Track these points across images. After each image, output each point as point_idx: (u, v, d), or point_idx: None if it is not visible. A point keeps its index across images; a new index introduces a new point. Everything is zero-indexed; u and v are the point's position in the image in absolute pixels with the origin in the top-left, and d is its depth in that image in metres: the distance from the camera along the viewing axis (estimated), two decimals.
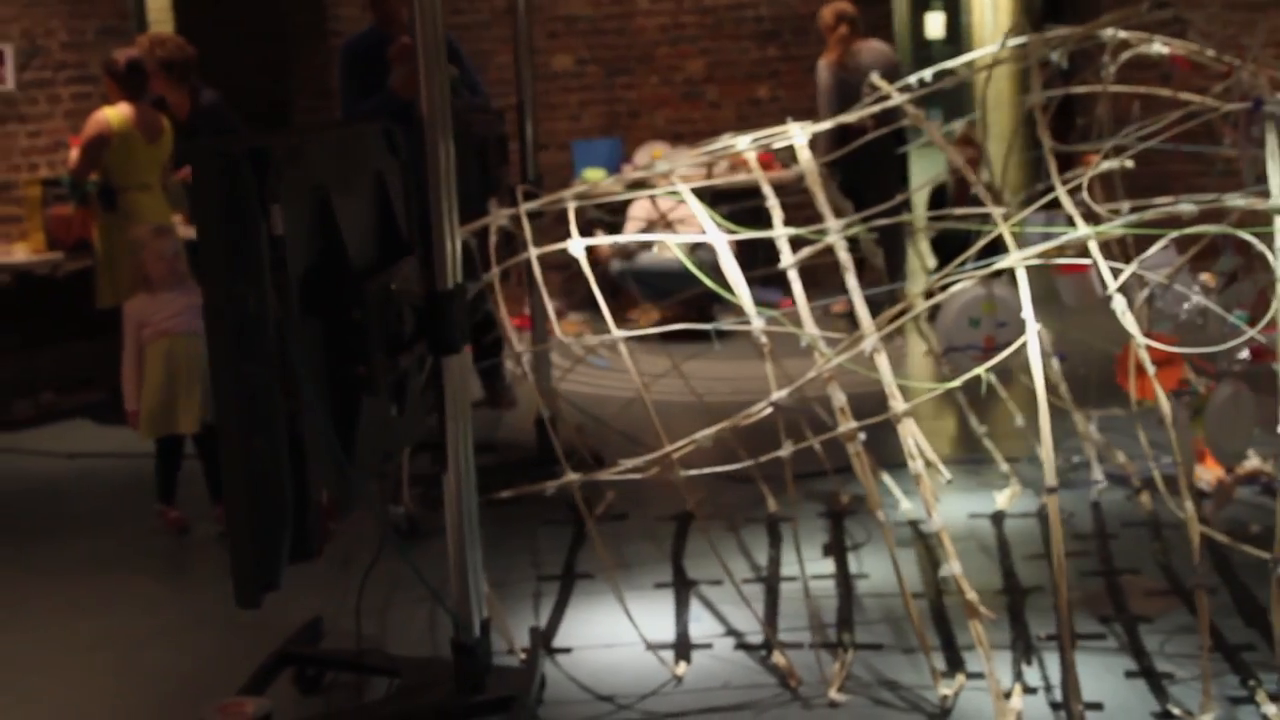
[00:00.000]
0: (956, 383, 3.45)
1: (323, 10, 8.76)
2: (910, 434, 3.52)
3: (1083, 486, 5.02)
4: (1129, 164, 4.15)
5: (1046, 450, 3.32)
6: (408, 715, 3.28)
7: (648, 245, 7.08)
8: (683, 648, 3.92)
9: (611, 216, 5.18)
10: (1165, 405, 3.32)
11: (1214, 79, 4.18)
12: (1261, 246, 3.25)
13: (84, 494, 5.84)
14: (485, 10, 9.03)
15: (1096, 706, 3.46)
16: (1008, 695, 3.47)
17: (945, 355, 4.22)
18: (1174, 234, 3.40)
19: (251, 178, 2.50)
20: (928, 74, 4.72)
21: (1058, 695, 3.50)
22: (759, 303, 4.04)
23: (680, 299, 6.64)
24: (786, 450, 3.76)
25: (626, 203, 7.34)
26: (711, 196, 6.76)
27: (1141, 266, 4.05)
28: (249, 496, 2.56)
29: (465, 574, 3.26)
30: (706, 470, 3.98)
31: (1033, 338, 3.35)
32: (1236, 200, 3.34)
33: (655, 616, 4.15)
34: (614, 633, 4.02)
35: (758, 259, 5.30)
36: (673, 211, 6.51)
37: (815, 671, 3.72)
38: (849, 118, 4.45)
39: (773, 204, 4.04)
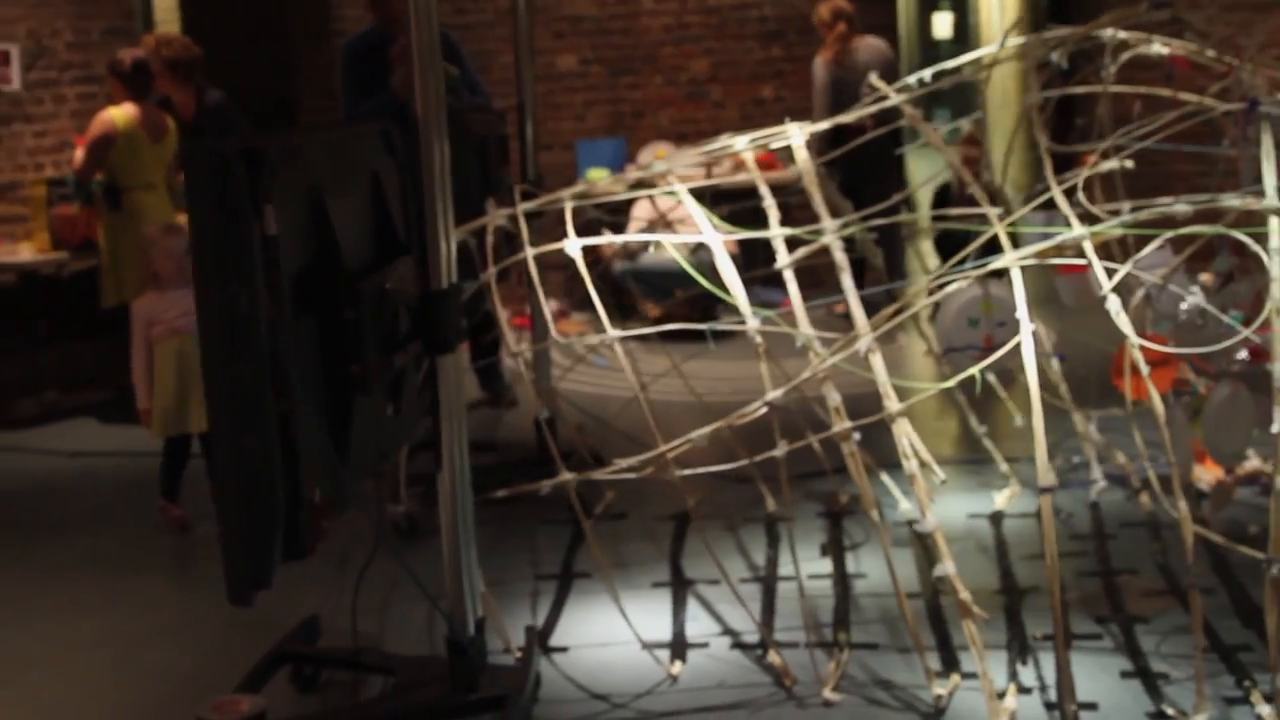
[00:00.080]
0: (950, 383, 3.46)
1: (327, 10, 8.79)
2: (905, 434, 3.52)
3: (1082, 487, 5.02)
4: (1129, 164, 4.16)
5: (1040, 450, 3.32)
6: (402, 713, 3.29)
7: (650, 245, 7.08)
8: (679, 647, 3.93)
9: (612, 217, 5.18)
10: (1159, 405, 3.33)
11: (1216, 80, 4.17)
12: (1256, 247, 3.25)
13: (87, 492, 5.86)
14: (489, 10, 9.04)
15: (1091, 706, 3.46)
16: (1002, 695, 3.47)
17: (945, 356, 4.22)
18: (1168, 234, 3.40)
19: (244, 178, 2.51)
20: (927, 74, 4.72)
21: (1053, 695, 3.50)
22: (761, 303, 4.04)
23: (682, 299, 6.65)
24: (781, 450, 3.76)
25: (630, 203, 7.35)
26: (713, 196, 6.79)
27: (1140, 267, 4.07)
28: (241, 495, 2.58)
29: (460, 573, 3.26)
30: (701, 470, 3.99)
31: (1027, 337, 3.36)
32: (1231, 201, 3.34)
33: (652, 616, 4.16)
34: (611, 632, 4.03)
35: (759, 259, 5.30)
36: (673, 211, 6.51)
37: (811, 671, 3.72)
38: (846, 118, 4.45)
39: (769, 204, 4.04)
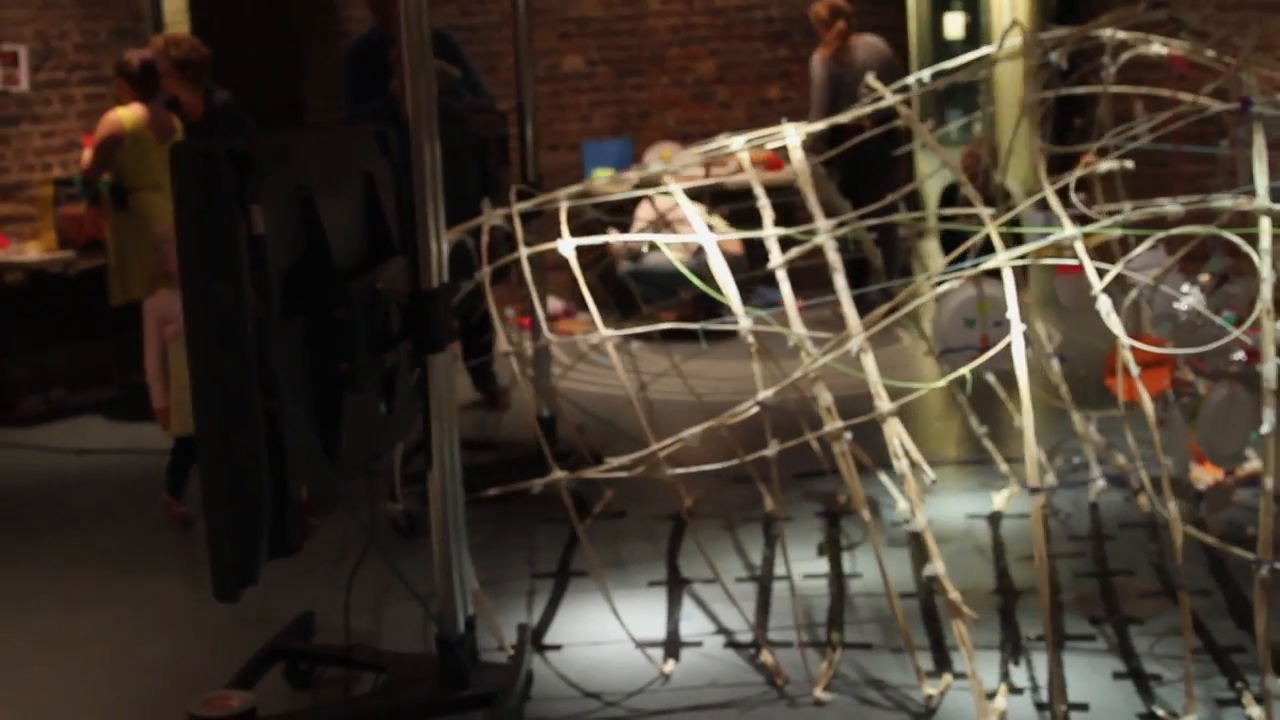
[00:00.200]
0: (940, 383, 3.46)
1: (334, 11, 8.81)
2: (895, 434, 3.53)
3: (1078, 486, 5.01)
4: (1129, 164, 4.16)
5: (1030, 450, 3.33)
6: (391, 710, 3.30)
7: (653, 246, 7.09)
8: (672, 646, 3.94)
9: (611, 217, 5.19)
10: (1149, 406, 3.33)
11: (1219, 79, 4.17)
12: (1247, 248, 3.25)
13: (91, 489, 5.89)
14: (495, 12, 9.06)
15: (1082, 707, 3.47)
16: (991, 695, 3.47)
17: (942, 356, 4.22)
18: (1160, 235, 3.40)
19: (231, 178, 2.53)
20: (926, 74, 4.73)
21: (1045, 695, 3.51)
22: (766, 303, 4.05)
23: (688, 300, 6.65)
24: (772, 449, 3.76)
25: (634, 204, 7.36)
26: (716, 196, 6.80)
27: (1138, 267, 4.07)
28: (227, 492, 2.60)
29: (450, 571, 3.28)
30: (694, 469, 4.00)
31: (1018, 338, 3.36)
32: (1223, 201, 3.34)
33: (647, 615, 4.18)
34: (605, 630, 4.04)
35: (763, 259, 5.31)
36: (673, 212, 6.52)
37: (804, 670, 3.73)
38: (843, 118, 4.46)
39: (764, 204, 4.05)
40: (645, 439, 3.94)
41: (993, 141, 5.33)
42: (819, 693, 3.59)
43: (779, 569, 4.46)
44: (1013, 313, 3.40)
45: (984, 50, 4.74)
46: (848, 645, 3.89)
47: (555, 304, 8.74)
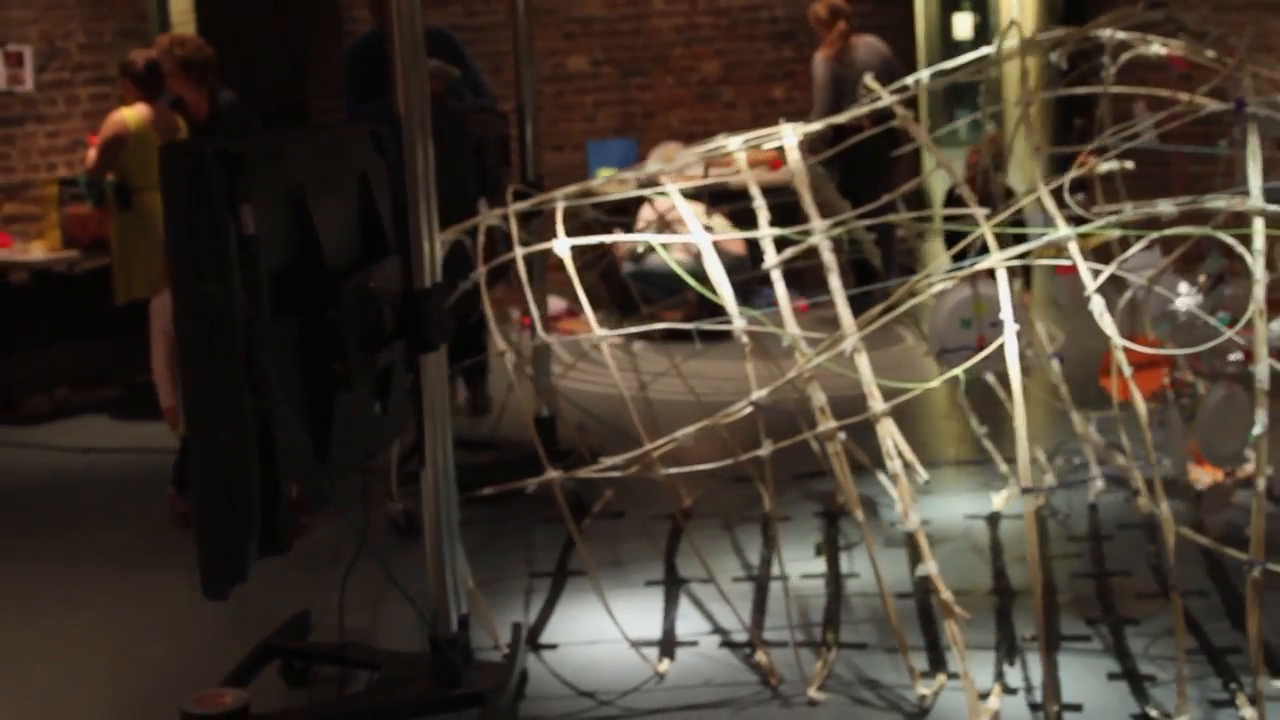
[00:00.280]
0: (933, 383, 3.47)
1: (339, 12, 8.84)
2: (889, 434, 3.53)
3: (1080, 487, 5.01)
4: (1128, 165, 4.16)
5: (1022, 450, 3.33)
6: (382, 709, 3.32)
7: (654, 246, 7.09)
8: (668, 645, 3.94)
9: (615, 217, 5.20)
10: (1140, 407, 3.33)
11: (1219, 79, 4.16)
12: (1240, 248, 3.25)
13: (94, 488, 5.91)
14: (500, 12, 9.08)
15: (1075, 708, 3.46)
16: (983, 696, 3.47)
17: (939, 357, 4.23)
18: (1153, 235, 3.40)
19: (220, 178, 2.54)
20: (925, 74, 4.73)
21: (1039, 696, 3.50)
22: (769, 304, 4.05)
23: (690, 300, 6.65)
24: (766, 449, 3.77)
25: (637, 204, 7.36)
26: (719, 196, 6.80)
27: (1133, 268, 4.06)
28: (216, 490, 2.61)
29: (443, 570, 3.29)
30: (688, 469, 4.00)
31: (1011, 338, 3.36)
32: (1216, 201, 3.34)
33: (644, 614, 4.18)
34: (601, 630, 4.05)
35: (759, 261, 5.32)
36: (674, 212, 6.52)
37: (799, 670, 3.73)
38: (840, 119, 4.47)
39: (760, 204, 4.06)
40: (646, 438, 3.94)
41: (999, 141, 5.33)
42: (813, 692, 3.59)
43: (777, 568, 4.47)
44: (1006, 313, 3.40)
45: (982, 50, 4.74)
46: (843, 645, 3.89)
47: (559, 304, 8.75)
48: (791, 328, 3.70)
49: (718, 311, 3.99)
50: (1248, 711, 3.32)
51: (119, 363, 7.20)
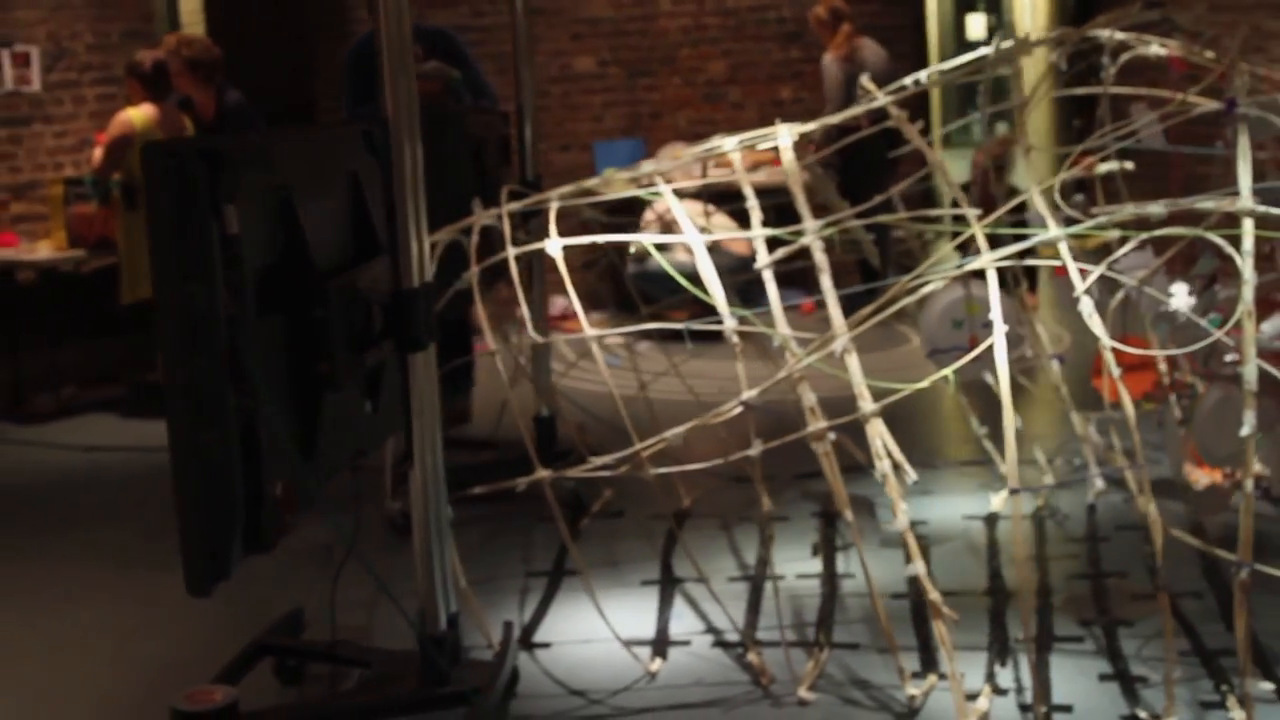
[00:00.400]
0: (923, 384, 3.47)
1: (345, 12, 8.87)
2: (877, 434, 3.54)
3: (1079, 487, 5.00)
4: (1128, 165, 4.15)
5: (1010, 451, 3.33)
6: (369, 707, 3.33)
7: (658, 246, 7.10)
8: (660, 644, 3.95)
9: (618, 217, 5.21)
10: (1130, 408, 3.32)
11: (1219, 79, 4.15)
12: (1230, 249, 3.24)
13: (97, 486, 5.94)
14: (506, 13, 9.06)
15: (1066, 709, 3.46)
16: (972, 697, 3.47)
17: (930, 357, 4.23)
18: (1143, 236, 3.40)
19: (204, 178, 2.55)
20: (923, 75, 4.73)
21: (1030, 697, 3.50)
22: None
23: (691, 300, 6.65)
24: (756, 450, 3.78)
25: (641, 204, 7.37)
26: (720, 195, 6.80)
27: (1127, 268, 4.06)
28: (198, 488, 2.62)
29: (432, 569, 3.31)
30: (676, 469, 4.00)
31: (1000, 339, 3.36)
32: (1206, 203, 3.34)
33: (639, 613, 4.19)
34: (594, 629, 4.05)
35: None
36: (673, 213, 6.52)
37: (793, 670, 3.73)
38: (837, 119, 4.47)
39: (753, 205, 4.06)
40: (645, 437, 3.94)
41: (1008, 142, 5.32)
42: (803, 692, 3.59)
43: (773, 568, 4.48)
44: (996, 314, 3.40)
45: (981, 51, 4.74)
46: (836, 645, 3.89)
47: (564, 303, 8.76)
48: (782, 328, 3.70)
49: (715, 312, 3.99)
50: (1237, 713, 3.31)
51: (125, 362, 7.24)
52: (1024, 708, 3.48)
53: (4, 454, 6.59)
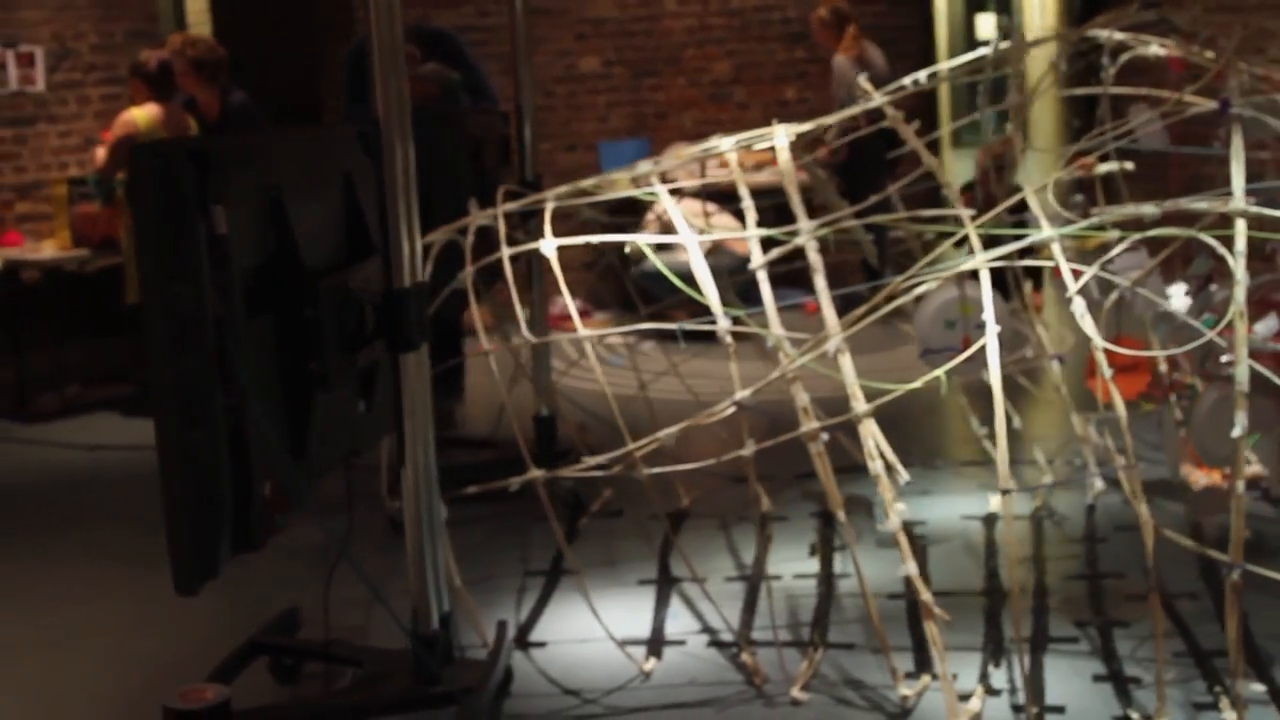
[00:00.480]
0: (914, 385, 3.47)
1: (352, 12, 8.88)
2: (869, 435, 3.54)
3: (1080, 488, 5.00)
4: (1129, 165, 4.15)
5: (1001, 452, 3.33)
6: (359, 706, 3.34)
7: (662, 246, 7.10)
8: (655, 644, 3.95)
9: (622, 218, 5.22)
10: (1120, 409, 3.32)
11: (1218, 79, 4.15)
12: (1222, 250, 3.24)
13: (100, 485, 5.96)
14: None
15: (1058, 709, 3.46)
16: (966, 698, 3.47)
17: (923, 357, 4.23)
18: (1136, 236, 3.40)
19: (191, 179, 2.56)
20: (922, 75, 4.73)
21: (1023, 698, 3.50)
22: (787, 304, 4.06)
23: (690, 301, 6.65)
24: (749, 450, 3.78)
25: (642, 205, 7.37)
26: (726, 195, 6.79)
27: (1131, 270, 4.05)
28: (186, 487, 2.64)
29: (424, 569, 3.32)
30: (668, 469, 4.01)
31: (992, 340, 3.36)
32: (1198, 203, 3.33)
33: (635, 613, 4.20)
34: (590, 628, 4.06)
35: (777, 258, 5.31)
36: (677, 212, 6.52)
37: (787, 670, 3.73)
38: (830, 120, 4.47)
39: (747, 205, 4.07)
40: (645, 437, 3.94)
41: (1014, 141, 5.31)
42: (796, 692, 3.59)
43: (770, 568, 4.48)
44: (989, 315, 3.40)
45: (979, 51, 4.74)
46: (831, 645, 3.90)
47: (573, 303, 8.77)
48: (776, 328, 3.70)
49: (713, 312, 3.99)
50: (1229, 715, 3.31)
51: (129, 361, 7.26)
52: (1017, 708, 3.48)
53: (9, 453, 6.62)
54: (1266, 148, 4.41)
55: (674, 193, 4.46)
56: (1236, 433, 3.10)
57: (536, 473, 3.99)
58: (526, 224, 5.12)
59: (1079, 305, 3.30)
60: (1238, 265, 3.18)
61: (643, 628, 4.09)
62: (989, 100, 4.77)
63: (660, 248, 4.45)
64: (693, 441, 4.76)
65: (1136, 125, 3.94)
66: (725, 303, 4.96)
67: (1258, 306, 4.12)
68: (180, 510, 2.64)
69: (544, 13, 8.87)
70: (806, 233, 3.76)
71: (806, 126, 4.27)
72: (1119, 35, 4.40)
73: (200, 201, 2.58)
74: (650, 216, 7.35)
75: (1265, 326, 3.61)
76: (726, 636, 3.99)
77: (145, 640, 4.27)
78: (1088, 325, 3.30)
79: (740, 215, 5.46)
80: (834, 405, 3.80)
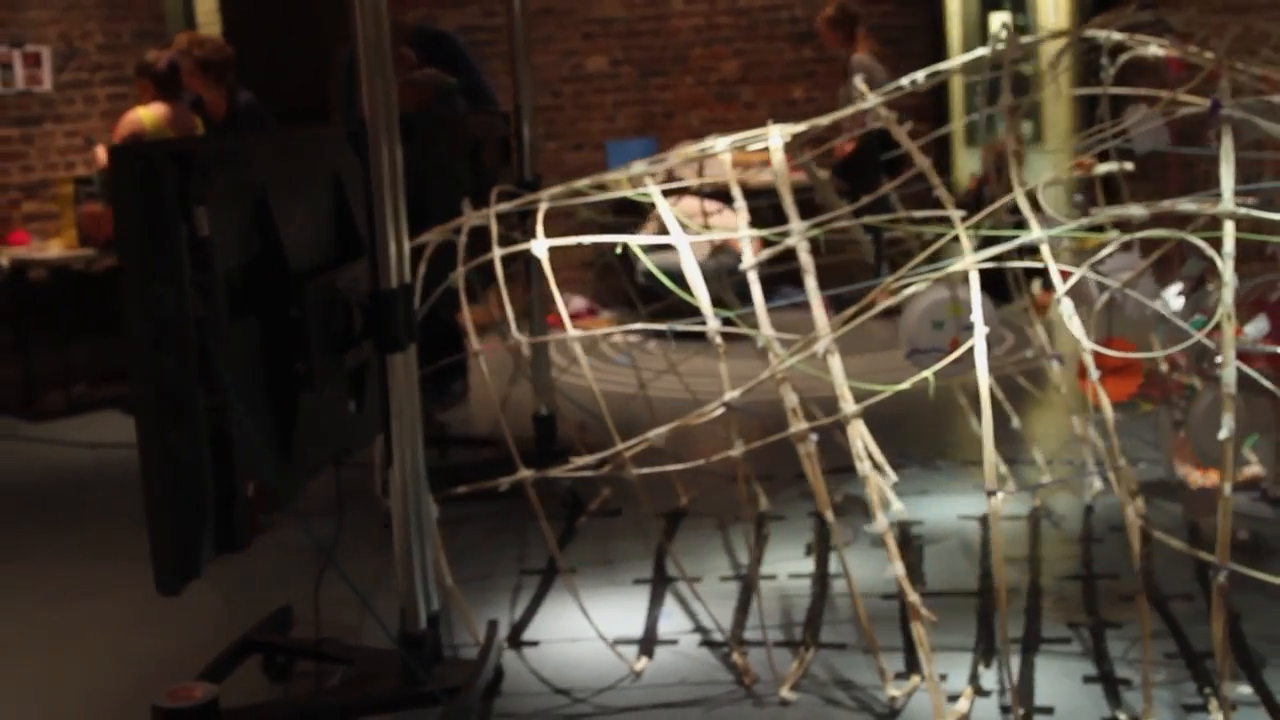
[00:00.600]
0: (904, 385, 3.46)
1: None
2: (859, 435, 3.54)
3: (1078, 488, 4.99)
4: (1129, 166, 4.14)
5: (988, 453, 3.33)
6: (346, 705, 3.35)
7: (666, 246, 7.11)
8: (647, 643, 3.96)
9: (627, 218, 5.23)
10: (1108, 410, 3.32)
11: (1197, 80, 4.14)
12: (1211, 251, 3.23)
13: (102, 483, 5.99)
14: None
15: (1047, 710, 3.46)
16: (954, 698, 3.47)
17: (909, 357, 4.22)
18: (1125, 237, 3.39)
19: (172, 180, 2.58)
20: (920, 75, 4.72)
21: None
22: (792, 304, 4.06)
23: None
24: (738, 450, 3.78)
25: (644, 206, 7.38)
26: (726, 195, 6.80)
27: (1123, 272, 4.05)
28: (167, 488, 2.65)
29: (411, 568, 3.33)
30: (659, 469, 4.01)
31: (981, 341, 3.36)
32: (1187, 205, 3.33)
33: (629, 612, 4.21)
34: (584, 628, 4.06)
35: (782, 258, 5.30)
36: (681, 211, 6.53)
37: (778, 670, 3.74)
38: (825, 120, 4.47)
39: (740, 205, 4.07)
40: (647, 435, 3.94)
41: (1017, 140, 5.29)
42: (785, 692, 3.60)
43: (765, 568, 4.49)
44: (978, 316, 3.40)
45: (979, 51, 4.73)
46: (822, 645, 3.90)
47: (579, 302, 8.79)
48: (766, 328, 3.70)
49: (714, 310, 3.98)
50: (1217, 717, 3.30)
51: None
52: (1007, 709, 3.47)
53: (15, 451, 6.67)
54: (1265, 147, 4.40)
55: (670, 193, 4.45)
56: (1223, 434, 3.10)
57: (526, 473, 4.00)
58: (525, 224, 5.13)
59: (1067, 307, 3.30)
60: (1226, 267, 3.17)
61: (636, 627, 4.10)
62: (990, 100, 4.76)
63: (657, 248, 4.46)
64: (692, 441, 4.78)
65: (1131, 125, 3.93)
66: (725, 302, 4.99)
67: (1253, 307, 4.10)
68: (161, 510, 2.65)
69: (550, 12, 8.90)
70: (798, 233, 3.76)
71: (801, 127, 4.26)
72: (1117, 36, 4.39)
73: (182, 203, 2.59)
74: (653, 216, 7.35)
75: (1255, 328, 3.60)
76: (719, 636, 4.00)
77: (143, 638, 4.29)
78: (1075, 327, 3.29)
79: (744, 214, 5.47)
80: (830, 405, 3.81)
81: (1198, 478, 4.83)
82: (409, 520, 3.32)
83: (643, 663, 3.84)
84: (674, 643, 3.99)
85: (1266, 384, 3.27)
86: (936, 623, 3.54)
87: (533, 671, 3.84)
